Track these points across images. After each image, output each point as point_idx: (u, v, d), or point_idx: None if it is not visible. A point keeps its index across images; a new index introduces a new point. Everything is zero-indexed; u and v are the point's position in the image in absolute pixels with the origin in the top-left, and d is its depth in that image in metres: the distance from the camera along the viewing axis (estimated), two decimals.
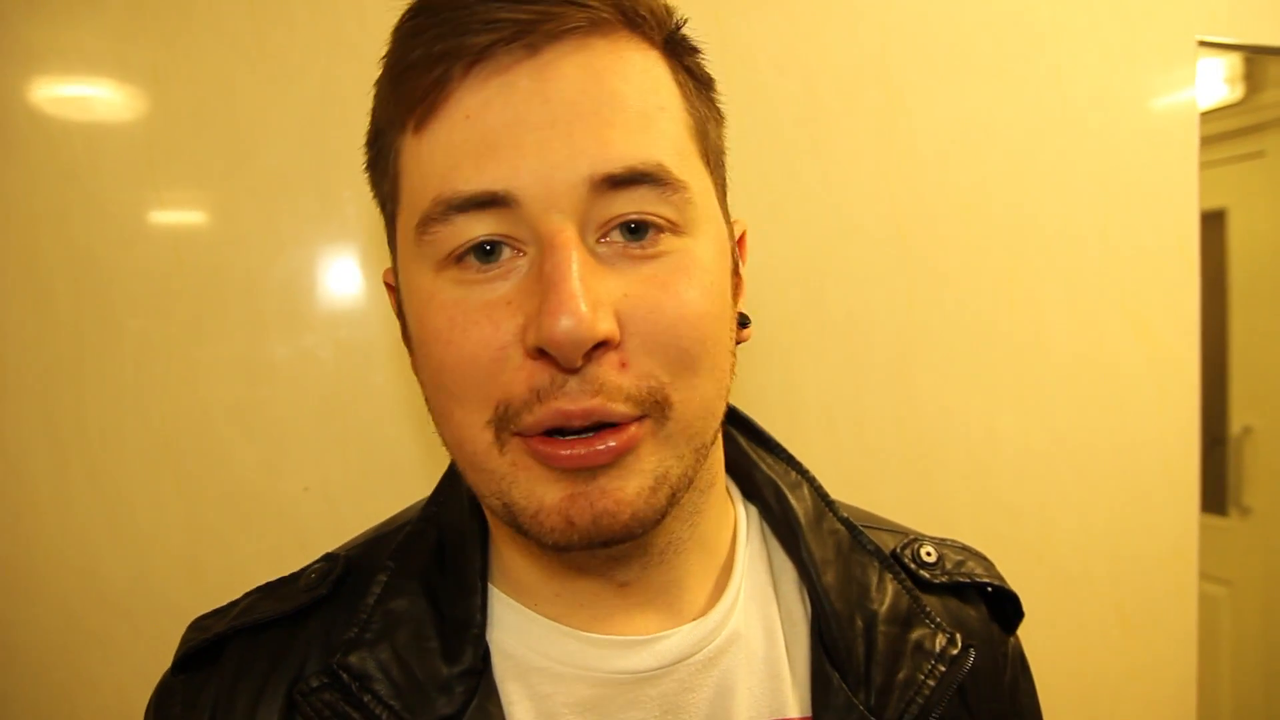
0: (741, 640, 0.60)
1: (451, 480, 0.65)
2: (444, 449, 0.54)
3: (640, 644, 0.57)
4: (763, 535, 0.67)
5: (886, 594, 0.64)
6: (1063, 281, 1.39)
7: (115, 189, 1.09)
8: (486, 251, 0.50)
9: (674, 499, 0.52)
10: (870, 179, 1.30)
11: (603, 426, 0.49)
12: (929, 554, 0.69)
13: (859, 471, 1.31)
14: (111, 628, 1.09)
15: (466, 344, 0.49)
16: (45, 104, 1.08)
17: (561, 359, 0.47)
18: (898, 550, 0.68)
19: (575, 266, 0.47)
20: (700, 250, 0.52)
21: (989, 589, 0.70)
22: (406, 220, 0.53)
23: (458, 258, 0.50)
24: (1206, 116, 1.46)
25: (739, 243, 0.62)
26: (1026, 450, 1.38)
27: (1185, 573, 1.45)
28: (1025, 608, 0.72)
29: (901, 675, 0.61)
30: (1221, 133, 2.58)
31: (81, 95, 1.10)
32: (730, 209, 0.60)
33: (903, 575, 0.66)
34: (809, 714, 0.59)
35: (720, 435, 0.61)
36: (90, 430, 1.09)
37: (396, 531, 0.65)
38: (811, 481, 0.68)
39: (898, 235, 1.32)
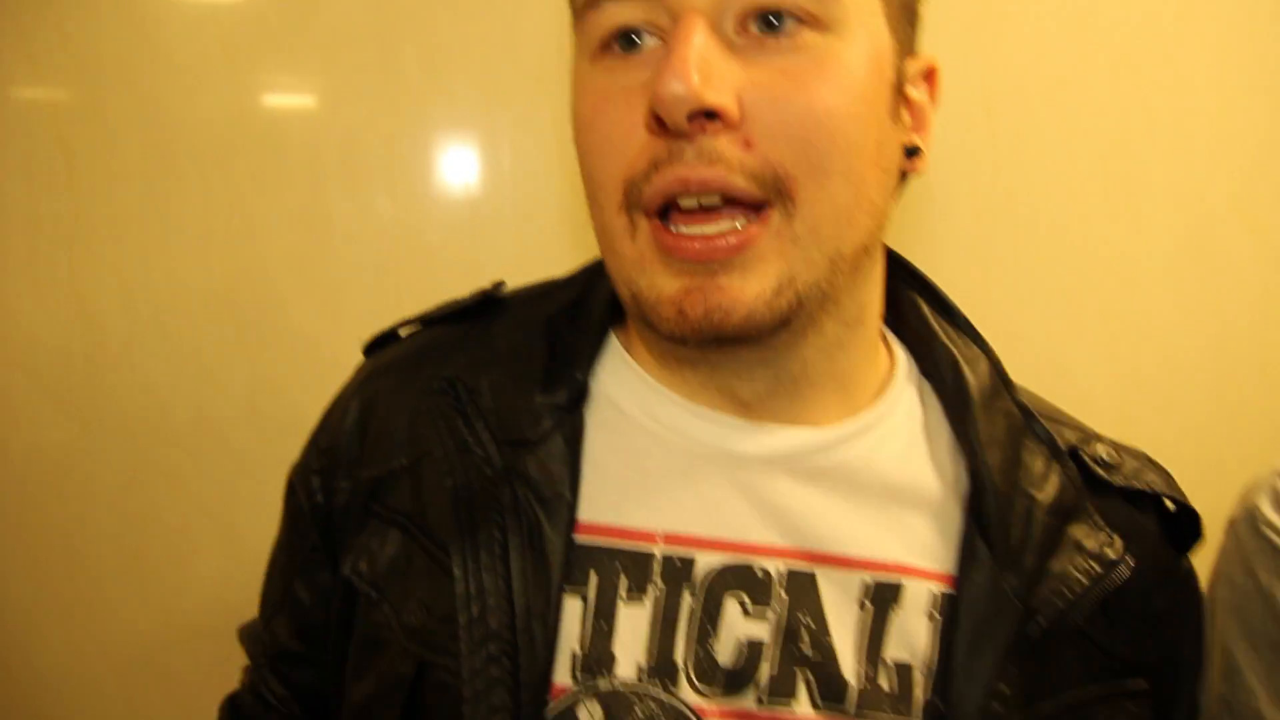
0: (871, 471, 0.58)
1: None
2: None
3: (750, 429, 0.57)
4: (921, 394, 0.64)
5: (1051, 484, 0.60)
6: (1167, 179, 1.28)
7: (181, 39, 1.10)
8: (633, 41, 0.52)
9: (799, 307, 0.51)
10: (956, 45, 1.22)
11: (722, 206, 0.50)
12: (1109, 454, 0.64)
13: None
14: (176, 463, 1.14)
15: (603, 126, 0.52)
16: None
17: (668, 121, 0.48)
18: (1074, 444, 0.64)
19: (696, 39, 0.48)
20: (844, 51, 0.51)
21: (1166, 501, 0.64)
22: (572, 17, 0.55)
23: (605, 45, 0.52)
24: None
25: (927, 78, 0.60)
26: (1110, 358, 1.30)
27: None
28: None
29: (1055, 565, 0.57)
30: None
31: None
32: None
33: (1073, 471, 0.62)
34: (948, 573, 0.57)
35: (877, 271, 0.61)
36: (156, 275, 1.12)
37: (548, 283, 0.69)
38: (992, 359, 0.65)
39: (984, 109, 1.23)
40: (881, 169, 0.54)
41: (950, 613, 0.55)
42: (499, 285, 0.70)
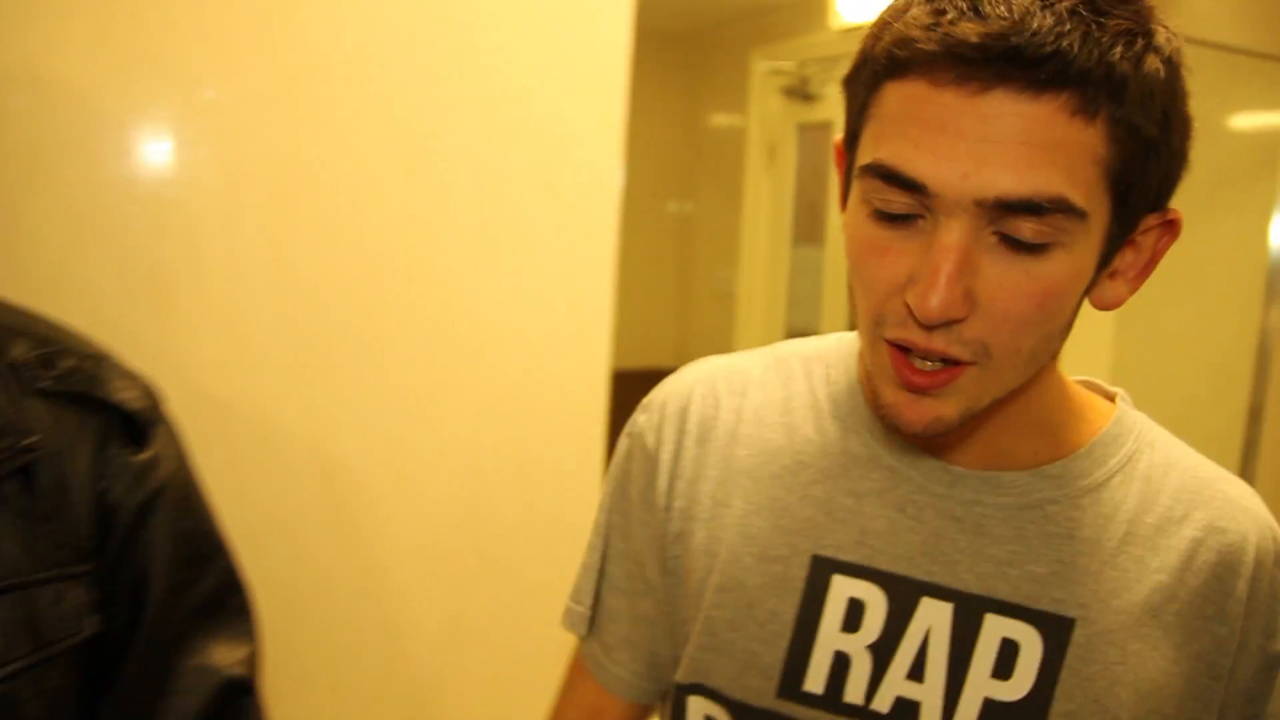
0: None
1: None
2: None
3: None
4: None
5: None
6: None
7: None
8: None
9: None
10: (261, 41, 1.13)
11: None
12: (67, 364, 0.70)
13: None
14: None
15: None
16: None
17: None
18: (29, 357, 0.69)
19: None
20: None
21: (123, 407, 0.72)
22: None
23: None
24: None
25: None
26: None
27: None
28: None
29: None
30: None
31: None
32: None
33: (14, 382, 0.68)
34: None
35: None
36: None
37: None
38: None
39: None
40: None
41: None
42: None
